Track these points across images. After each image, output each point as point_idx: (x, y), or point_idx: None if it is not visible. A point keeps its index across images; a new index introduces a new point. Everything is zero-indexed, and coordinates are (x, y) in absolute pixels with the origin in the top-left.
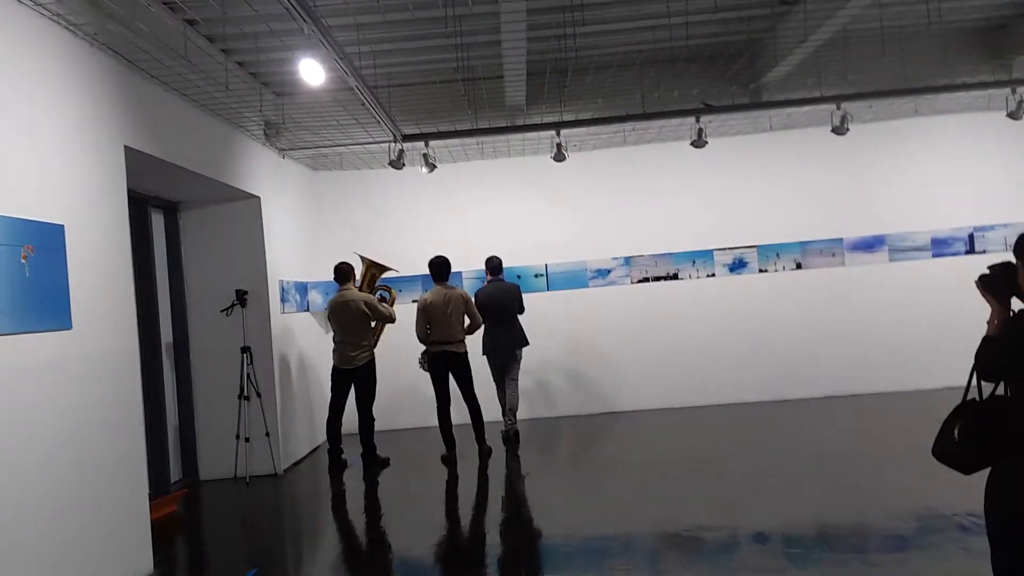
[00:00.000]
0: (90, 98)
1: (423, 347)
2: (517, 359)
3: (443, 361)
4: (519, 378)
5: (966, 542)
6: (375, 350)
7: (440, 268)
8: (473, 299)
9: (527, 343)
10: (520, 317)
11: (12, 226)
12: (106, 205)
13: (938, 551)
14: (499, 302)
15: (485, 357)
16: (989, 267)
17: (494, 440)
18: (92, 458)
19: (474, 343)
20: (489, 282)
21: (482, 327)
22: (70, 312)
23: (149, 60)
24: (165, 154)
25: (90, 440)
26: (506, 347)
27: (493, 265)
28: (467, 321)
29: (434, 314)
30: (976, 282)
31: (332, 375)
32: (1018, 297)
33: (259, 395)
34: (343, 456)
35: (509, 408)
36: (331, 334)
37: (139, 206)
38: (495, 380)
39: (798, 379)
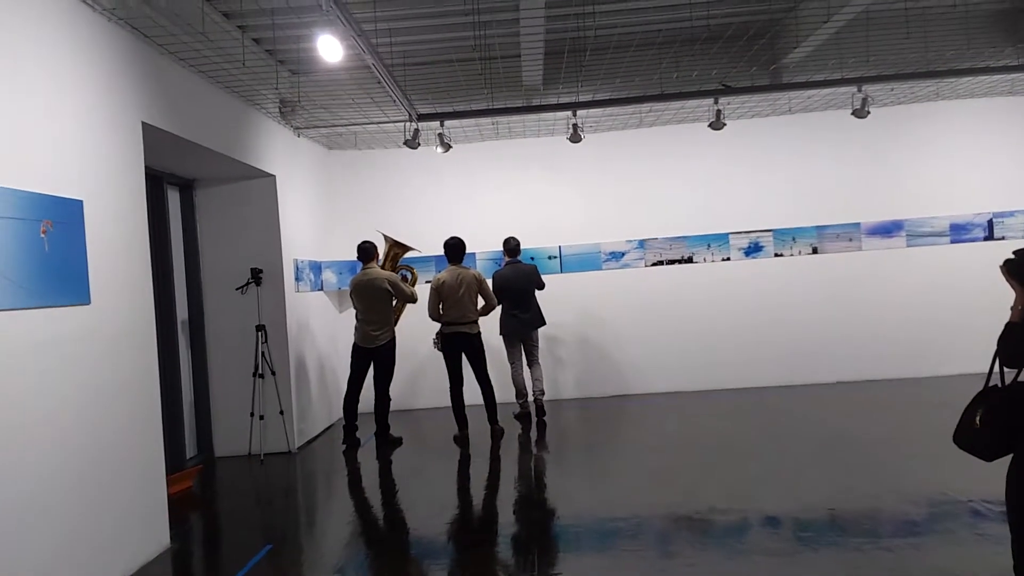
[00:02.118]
0: (107, 74)
1: (437, 327)
2: (534, 340)
3: (457, 342)
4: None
5: (981, 528)
6: (395, 329)
7: (455, 249)
8: (488, 280)
9: (544, 323)
10: (536, 296)
11: (31, 201)
12: (124, 181)
13: (952, 536)
14: (517, 284)
15: (501, 338)
16: (1014, 252)
17: (507, 421)
18: (109, 433)
19: (489, 324)
20: (507, 264)
21: (498, 308)
22: (89, 287)
23: (166, 36)
24: (181, 131)
25: (107, 415)
26: (524, 328)
27: (511, 247)
28: (481, 302)
29: (447, 294)
30: (1001, 267)
31: (352, 353)
32: None
33: (273, 373)
34: (356, 434)
35: (535, 378)
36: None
37: (155, 183)
38: (510, 361)
39: (813, 364)
